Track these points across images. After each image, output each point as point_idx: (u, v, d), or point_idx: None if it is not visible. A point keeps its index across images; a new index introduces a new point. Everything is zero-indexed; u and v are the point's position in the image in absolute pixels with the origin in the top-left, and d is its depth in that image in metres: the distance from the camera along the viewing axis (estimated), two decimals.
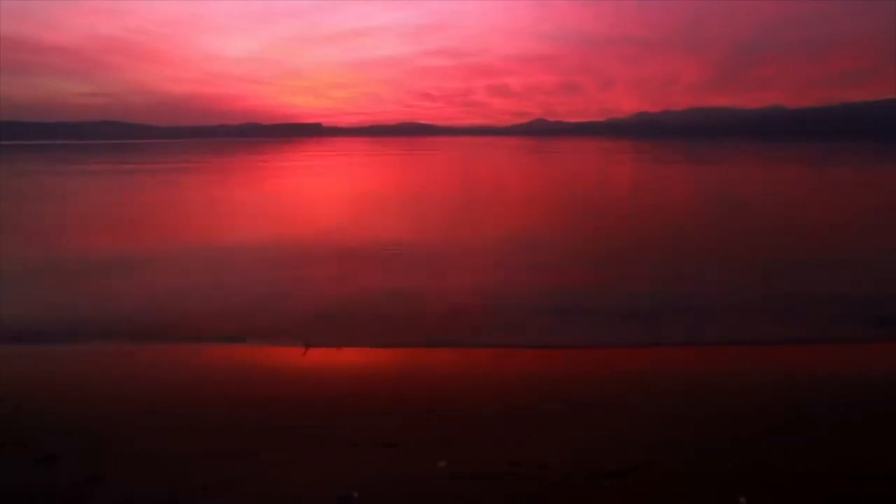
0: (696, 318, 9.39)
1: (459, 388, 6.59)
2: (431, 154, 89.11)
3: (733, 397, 6.16)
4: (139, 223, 21.02)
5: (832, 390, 6.35)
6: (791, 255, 14.05)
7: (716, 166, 50.21)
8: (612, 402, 6.09)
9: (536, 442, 5.12)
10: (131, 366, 7.61)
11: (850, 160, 56.18)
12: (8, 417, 5.85)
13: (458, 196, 29.32)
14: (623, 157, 69.47)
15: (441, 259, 13.95)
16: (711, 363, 7.52)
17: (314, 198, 30.22)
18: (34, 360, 7.86)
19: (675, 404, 5.98)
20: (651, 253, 14.52)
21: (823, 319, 9.36)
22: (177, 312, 9.99)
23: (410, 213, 22.98)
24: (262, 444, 5.15)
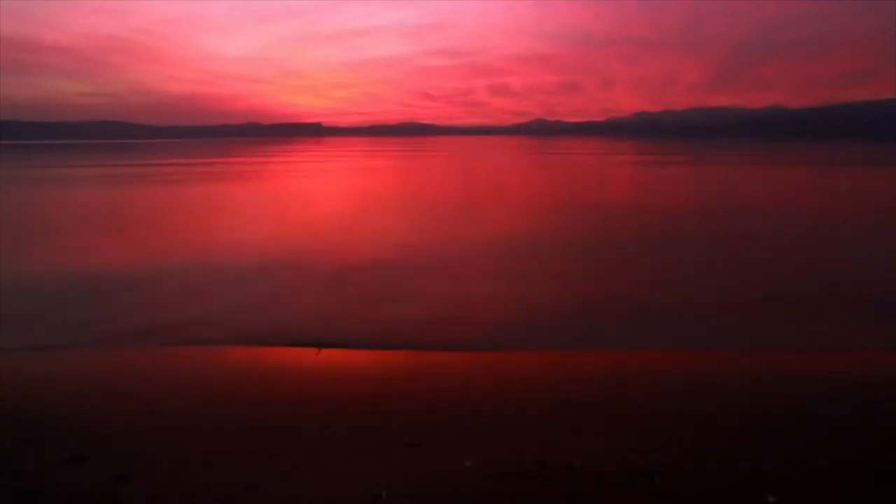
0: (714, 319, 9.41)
1: (481, 389, 6.62)
2: (448, 154, 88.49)
3: (759, 398, 6.17)
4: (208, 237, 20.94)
5: (861, 390, 6.38)
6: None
7: (722, 167, 50.17)
8: (637, 403, 6.11)
9: (562, 443, 5.14)
10: (157, 367, 7.65)
11: (856, 160, 56.08)
12: (37, 417, 5.89)
13: (496, 200, 28.67)
14: (633, 157, 69.25)
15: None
16: (733, 365, 7.51)
17: (370, 202, 28.66)
18: (62, 362, 7.90)
19: (700, 405, 5.99)
20: (654, 253, 14.53)
21: (836, 320, 9.41)
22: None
23: (466, 217, 22.18)
24: (288, 444, 5.18)
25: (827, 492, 4.21)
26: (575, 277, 12.32)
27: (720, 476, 4.47)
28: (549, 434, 5.35)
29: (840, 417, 5.60)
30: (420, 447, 5.08)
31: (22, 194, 32.81)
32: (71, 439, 5.31)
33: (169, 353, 8.22)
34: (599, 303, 10.38)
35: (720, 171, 45.35)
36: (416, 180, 40.94)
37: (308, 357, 7.90)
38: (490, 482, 4.41)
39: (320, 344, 8.32)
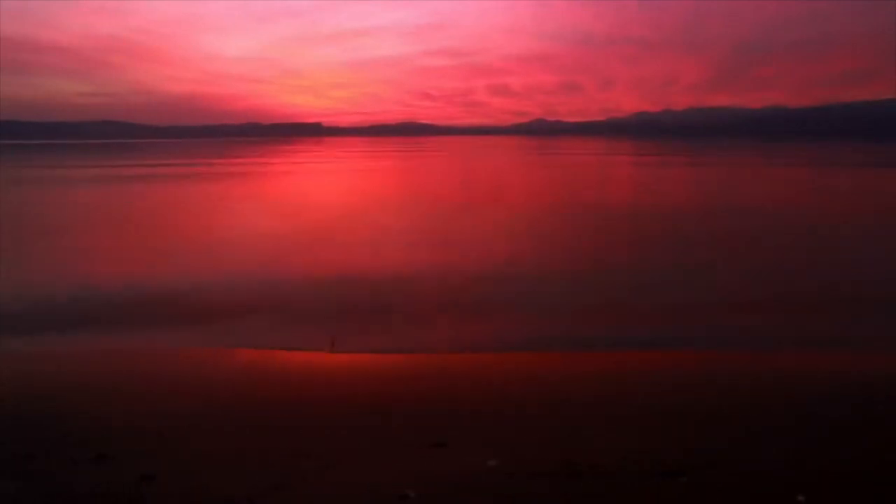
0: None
1: (503, 389, 6.64)
2: (450, 154, 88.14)
3: (787, 398, 6.18)
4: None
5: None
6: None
7: (723, 167, 50.13)
8: (660, 402, 6.12)
9: (585, 442, 5.15)
10: (174, 369, 7.68)
11: (856, 160, 56.06)
12: (61, 417, 5.91)
13: (501, 200, 28.44)
14: (634, 158, 69.15)
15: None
16: (755, 365, 7.53)
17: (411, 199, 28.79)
18: (85, 362, 7.93)
19: (725, 405, 6.00)
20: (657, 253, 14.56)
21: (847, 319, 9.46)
22: None
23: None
24: (312, 445, 5.20)
25: (856, 491, 4.21)
26: (579, 278, 12.37)
27: (749, 475, 4.45)
28: (572, 433, 5.36)
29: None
30: (444, 447, 5.10)
31: (29, 195, 32.82)
32: (93, 439, 5.33)
33: (185, 355, 8.24)
34: (598, 303, 10.41)
35: (720, 171, 45.37)
36: (421, 181, 40.89)
37: (327, 360, 7.92)
38: (515, 482, 4.42)
39: (333, 343, 8.37)
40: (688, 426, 5.49)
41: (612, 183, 37.64)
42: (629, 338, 8.70)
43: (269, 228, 19.59)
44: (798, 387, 6.52)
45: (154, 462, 4.89)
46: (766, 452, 4.84)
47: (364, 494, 4.34)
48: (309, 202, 28.15)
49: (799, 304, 10.23)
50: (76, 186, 37.99)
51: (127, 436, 5.45)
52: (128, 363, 7.85)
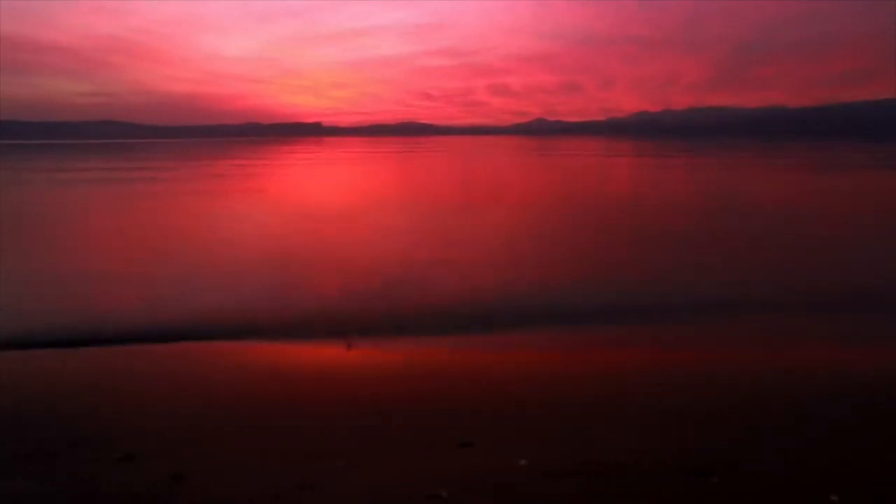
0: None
1: (527, 386, 6.64)
2: (451, 154, 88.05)
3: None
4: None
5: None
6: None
7: (723, 167, 50.14)
8: (688, 401, 6.11)
9: (614, 441, 5.15)
10: (197, 366, 7.68)
11: (856, 161, 56.07)
12: (83, 416, 5.93)
13: (503, 200, 28.58)
14: (635, 159, 69.13)
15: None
16: (784, 362, 7.54)
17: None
18: (108, 361, 7.93)
19: (754, 403, 6.01)
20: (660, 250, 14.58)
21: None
22: None
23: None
24: (339, 444, 5.20)
25: (890, 492, 4.21)
26: (578, 278, 12.39)
27: (781, 474, 4.44)
28: (596, 432, 5.36)
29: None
30: (472, 446, 5.09)
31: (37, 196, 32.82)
32: (118, 439, 5.33)
33: (207, 351, 8.23)
34: (598, 303, 10.42)
35: (721, 171, 45.33)
36: (422, 182, 40.89)
37: (346, 358, 7.92)
38: (547, 481, 4.41)
39: (350, 340, 8.40)
40: (713, 426, 5.48)
41: (612, 183, 37.60)
42: (629, 337, 8.70)
43: (269, 229, 19.60)
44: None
45: (181, 462, 4.88)
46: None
47: (394, 494, 4.32)
48: (309, 203, 28.16)
49: (799, 304, 10.23)
50: (96, 189, 37.94)
51: (151, 435, 5.44)
52: (147, 362, 7.84)
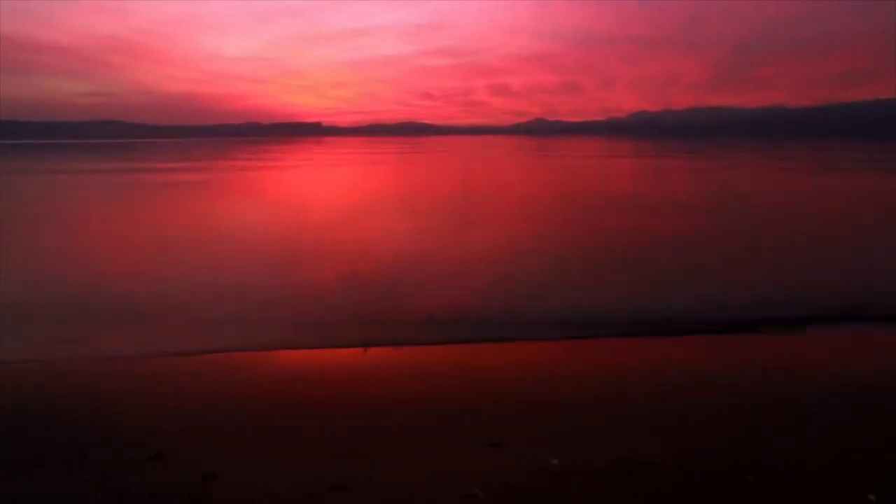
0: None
1: (551, 384, 6.65)
2: (452, 154, 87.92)
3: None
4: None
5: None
6: None
7: (723, 167, 50.12)
8: (732, 403, 6.09)
9: (645, 439, 5.14)
10: (222, 370, 7.71)
11: (856, 161, 56.02)
12: (110, 416, 5.96)
13: (505, 202, 28.47)
14: (635, 159, 69.08)
15: None
16: (825, 357, 7.59)
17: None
18: (128, 363, 7.97)
19: (789, 402, 6.02)
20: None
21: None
22: None
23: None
24: (365, 445, 5.20)
25: None
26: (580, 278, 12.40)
27: (820, 473, 4.43)
28: (631, 430, 5.36)
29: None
30: (502, 446, 5.09)
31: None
32: (145, 439, 5.35)
33: (231, 359, 8.22)
34: (604, 305, 10.43)
35: (721, 171, 45.32)
36: (423, 182, 40.82)
37: (367, 359, 7.95)
38: (579, 479, 4.40)
39: (367, 343, 8.42)
40: (752, 425, 5.48)
41: (612, 183, 37.59)
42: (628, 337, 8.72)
43: (270, 230, 19.62)
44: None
45: (211, 462, 4.89)
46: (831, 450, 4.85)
47: (427, 494, 4.32)
48: (311, 203, 28.17)
49: (798, 304, 10.25)
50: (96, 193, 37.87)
51: (178, 436, 5.46)
52: (171, 365, 7.89)
